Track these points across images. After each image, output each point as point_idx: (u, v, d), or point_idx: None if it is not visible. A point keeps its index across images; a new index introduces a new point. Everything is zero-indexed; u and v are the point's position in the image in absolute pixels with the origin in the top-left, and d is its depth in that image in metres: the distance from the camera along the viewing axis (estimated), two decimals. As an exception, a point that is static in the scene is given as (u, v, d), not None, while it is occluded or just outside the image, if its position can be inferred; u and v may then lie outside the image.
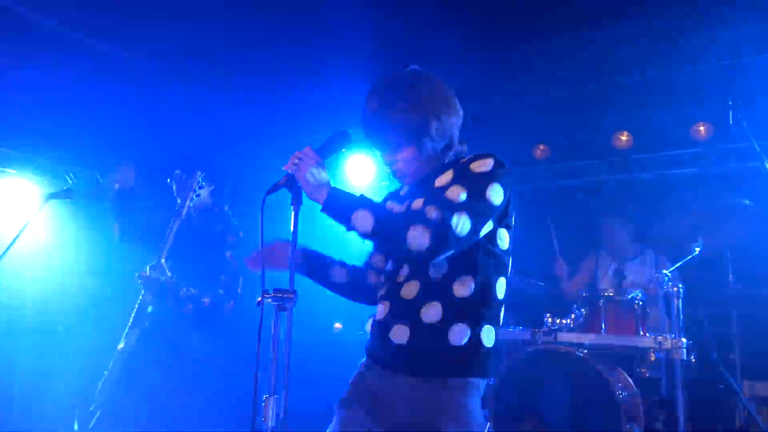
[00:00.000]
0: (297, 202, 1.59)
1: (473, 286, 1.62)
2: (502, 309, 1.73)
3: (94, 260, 4.38)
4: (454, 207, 1.52)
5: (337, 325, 5.94)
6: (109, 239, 3.99)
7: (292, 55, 3.94)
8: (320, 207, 1.61)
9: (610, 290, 3.88)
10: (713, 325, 4.03)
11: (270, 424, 1.37)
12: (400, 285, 1.68)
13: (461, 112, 1.81)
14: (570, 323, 3.78)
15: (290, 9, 3.45)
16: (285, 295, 1.47)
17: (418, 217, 1.50)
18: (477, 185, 1.58)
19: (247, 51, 3.93)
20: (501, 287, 1.69)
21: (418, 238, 1.49)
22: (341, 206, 1.59)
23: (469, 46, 3.70)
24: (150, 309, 3.25)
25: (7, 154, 4.63)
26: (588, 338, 3.69)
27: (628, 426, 3.33)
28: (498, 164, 1.64)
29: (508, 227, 1.72)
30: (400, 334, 1.64)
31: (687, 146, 4.60)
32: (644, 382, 3.66)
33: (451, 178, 1.66)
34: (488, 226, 1.62)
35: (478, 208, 1.55)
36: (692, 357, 3.55)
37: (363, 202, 1.58)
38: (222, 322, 3.36)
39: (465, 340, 1.60)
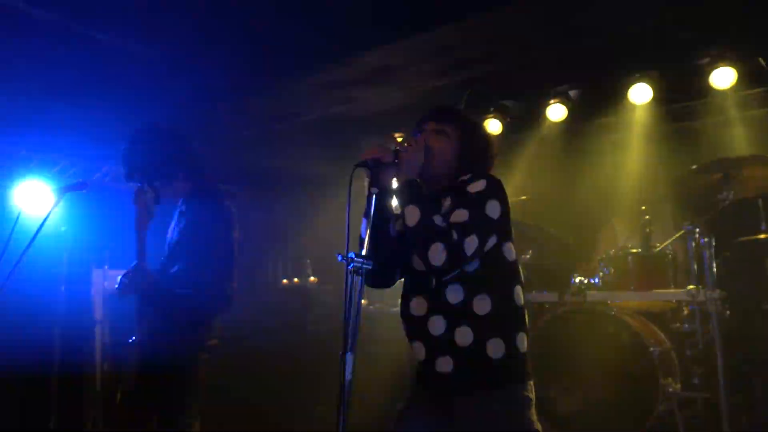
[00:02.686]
0: (375, 184, 1.72)
1: (491, 301, 1.73)
2: (526, 312, 1.84)
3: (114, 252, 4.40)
4: (462, 228, 1.67)
5: (364, 302, 5.94)
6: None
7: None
8: (400, 184, 1.77)
9: (638, 246, 3.79)
10: (746, 275, 3.92)
11: (347, 377, 1.48)
12: (425, 323, 1.78)
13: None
14: (599, 282, 3.71)
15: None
16: (364, 263, 1.57)
17: (440, 236, 1.65)
18: (476, 204, 1.72)
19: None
20: (518, 294, 1.81)
21: (438, 254, 1.63)
22: (411, 194, 1.73)
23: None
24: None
25: (25, 155, 4.64)
26: (618, 296, 3.62)
27: (664, 382, 3.28)
28: (490, 182, 1.78)
29: (510, 239, 1.84)
30: (444, 364, 1.75)
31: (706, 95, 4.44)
32: (679, 337, 3.59)
33: (451, 201, 1.80)
34: (491, 241, 1.74)
35: (481, 226, 1.69)
36: (726, 309, 3.46)
37: (422, 203, 1.72)
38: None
39: (503, 352, 1.72)
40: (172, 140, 2.62)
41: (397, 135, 4.89)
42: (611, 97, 4.56)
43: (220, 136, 5.37)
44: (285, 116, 5.04)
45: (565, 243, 4.30)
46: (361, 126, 5.18)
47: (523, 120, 4.96)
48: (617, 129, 4.78)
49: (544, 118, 4.73)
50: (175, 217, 2.66)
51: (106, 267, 4.62)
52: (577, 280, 3.70)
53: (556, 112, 4.71)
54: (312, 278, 6.32)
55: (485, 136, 1.98)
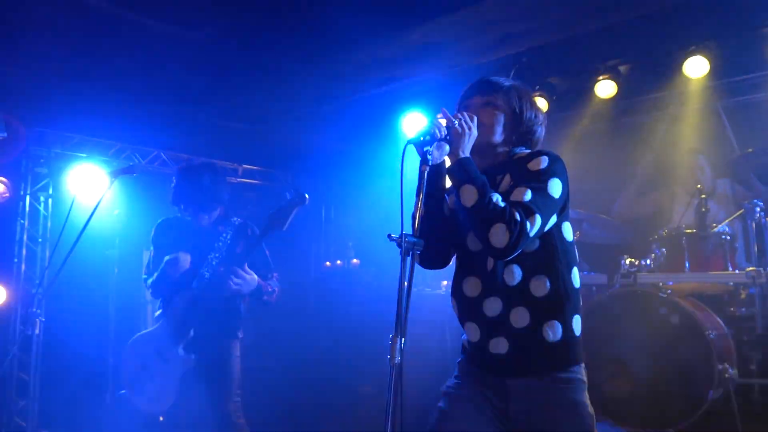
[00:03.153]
0: (427, 161, 1.66)
1: (549, 283, 1.70)
2: (580, 296, 1.79)
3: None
4: (524, 207, 1.61)
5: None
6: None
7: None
8: (453, 162, 1.72)
9: (693, 227, 3.63)
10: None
11: (396, 360, 1.46)
12: (480, 304, 1.75)
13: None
14: (650, 264, 3.58)
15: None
16: (417, 242, 1.54)
17: (501, 216, 1.60)
18: (538, 183, 1.67)
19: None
20: (575, 276, 1.76)
21: (500, 236, 1.59)
22: (465, 172, 1.68)
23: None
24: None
25: (79, 139, 4.79)
26: (671, 278, 3.48)
27: (720, 367, 3.15)
28: (553, 159, 1.72)
29: (568, 219, 1.79)
30: (498, 346, 1.72)
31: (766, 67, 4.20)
32: (735, 321, 3.44)
33: (511, 179, 1.74)
34: (552, 220, 1.70)
35: (544, 205, 1.64)
36: (788, 291, 3.30)
37: (479, 181, 1.66)
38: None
39: (560, 335, 1.68)
40: (213, 180, 3.00)
41: (446, 112, 4.81)
42: (665, 71, 4.37)
43: (270, 118, 5.43)
44: (331, 96, 5.04)
45: (613, 224, 4.17)
46: (404, 104, 5.13)
47: (570, 98, 4.81)
48: (671, 105, 4.59)
49: (593, 95, 4.57)
50: (217, 234, 3.03)
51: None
52: (628, 261, 3.58)
53: (606, 88, 4.55)
54: (354, 260, 6.35)
55: (535, 106, 1.88)
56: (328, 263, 6.66)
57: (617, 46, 4.36)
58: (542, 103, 4.67)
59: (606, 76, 4.55)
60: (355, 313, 5.75)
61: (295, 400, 4.84)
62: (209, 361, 2.87)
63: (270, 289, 2.94)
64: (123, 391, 3.06)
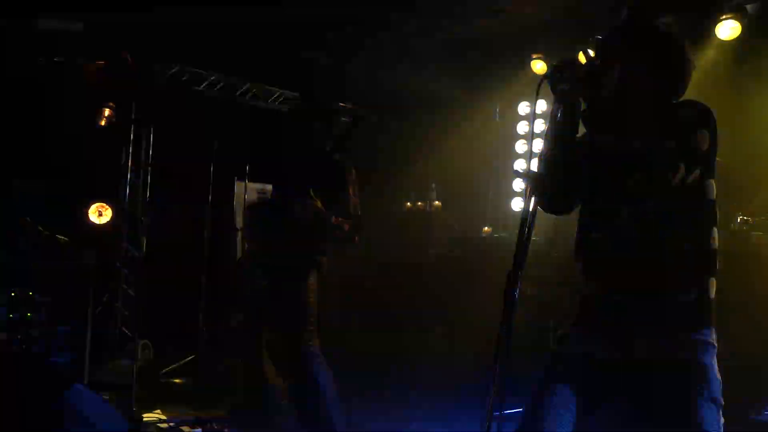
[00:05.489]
0: (562, 100, 1.59)
1: (686, 242, 1.63)
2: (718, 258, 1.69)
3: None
4: (668, 156, 1.54)
5: (486, 229, 5.89)
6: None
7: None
8: (591, 106, 1.66)
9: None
10: None
11: (515, 297, 1.44)
12: (609, 258, 1.69)
13: None
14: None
15: None
16: (544, 180, 1.51)
17: (642, 163, 1.55)
18: (685, 132, 1.59)
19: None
20: (715, 237, 1.68)
21: (639, 183, 1.56)
22: (604, 118, 1.64)
23: None
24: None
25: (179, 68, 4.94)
26: None
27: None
28: (703, 110, 1.64)
29: (713, 176, 1.68)
30: (626, 302, 1.66)
31: None
32: None
33: (658, 128, 1.64)
34: (694, 174, 1.59)
35: (688, 156, 1.56)
36: None
37: (618, 127, 1.61)
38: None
39: (694, 297, 1.62)
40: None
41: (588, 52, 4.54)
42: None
43: (359, 53, 5.35)
44: (425, 32, 4.89)
45: (724, 177, 3.87)
46: (500, 47, 4.92)
47: (688, 39, 4.42)
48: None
49: (713, 36, 4.18)
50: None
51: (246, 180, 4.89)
52: (740, 218, 3.34)
53: (728, 29, 4.15)
54: (436, 202, 6.31)
55: (685, 51, 1.72)
56: (408, 204, 6.66)
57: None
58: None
59: (729, 16, 4.16)
60: (433, 255, 5.78)
61: (368, 340, 4.98)
62: (280, 286, 2.96)
63: (346, 228, 2.88)
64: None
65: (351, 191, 3.02)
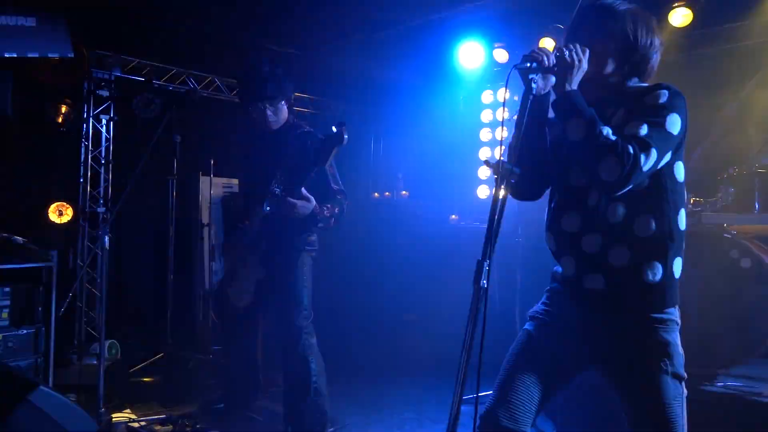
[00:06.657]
0: (531, 89, 1.60)
1: (654, 223, 1.64)
2: (684, 239, 1.72)
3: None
4: (640, 141, 1.55)
5: (453, 216, 5.95)
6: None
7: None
8: (559, 95, 1.66)
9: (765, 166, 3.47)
10: None
11: (483, 285, 1.46)
12: (579, 239, 1.71)
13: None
14: (717, 203, 3.46)
15: None
16: (512, 173, 1.50)
17: (614, 149, 1.54)
18: (656, 117, 1.59)
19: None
20: (682, 218, 1.69)
21: (611, 169, 1.54)
22: (572, 105, 1.62)
23: None
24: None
25: (138, 63, 4.82)
26: (739, 219, 3.37)
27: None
28: (673, 94, 1.62)
29: (682, 158, 1.70)
30: (593, 281, 1.69)
31: None
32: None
33: (626, 112, 1.66)
34: (666, 158, 1.62)
35: (659, 141, 1.57)
36: None
37: (587, 114, 1.61)
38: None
39: (659, 276, 1.65)
40: (272, 68, 2.96)
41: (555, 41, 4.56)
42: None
43: (321, 44, 5.32)
44: (385, 22, 4.89)
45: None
46: (461, 33, 4.95)
47: (655, 18, 4.52)
48: (751, 35, 4.28)
49: (666, 24, 4.29)
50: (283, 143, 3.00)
51: (211, 175, 4.83)
52: (692, 200, 3.47)
53: (680, 16, 4.27)
54: (404, 192, 6.34)
55: (652, 31, 1.73)
56: (376, 194, 6.68)
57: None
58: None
59: (681, 3, 4.27)
60: (402, 244, 5.83)
61: (340, 326, 5.00)
62: (275, 275, 2.96)
63: (327, 215, 2.91)
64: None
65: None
